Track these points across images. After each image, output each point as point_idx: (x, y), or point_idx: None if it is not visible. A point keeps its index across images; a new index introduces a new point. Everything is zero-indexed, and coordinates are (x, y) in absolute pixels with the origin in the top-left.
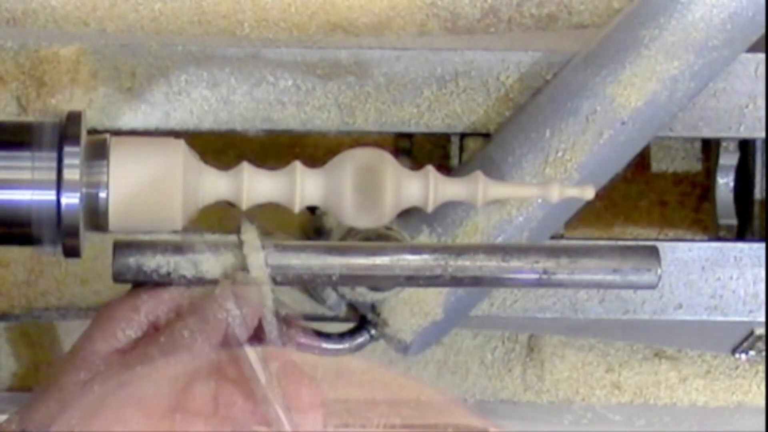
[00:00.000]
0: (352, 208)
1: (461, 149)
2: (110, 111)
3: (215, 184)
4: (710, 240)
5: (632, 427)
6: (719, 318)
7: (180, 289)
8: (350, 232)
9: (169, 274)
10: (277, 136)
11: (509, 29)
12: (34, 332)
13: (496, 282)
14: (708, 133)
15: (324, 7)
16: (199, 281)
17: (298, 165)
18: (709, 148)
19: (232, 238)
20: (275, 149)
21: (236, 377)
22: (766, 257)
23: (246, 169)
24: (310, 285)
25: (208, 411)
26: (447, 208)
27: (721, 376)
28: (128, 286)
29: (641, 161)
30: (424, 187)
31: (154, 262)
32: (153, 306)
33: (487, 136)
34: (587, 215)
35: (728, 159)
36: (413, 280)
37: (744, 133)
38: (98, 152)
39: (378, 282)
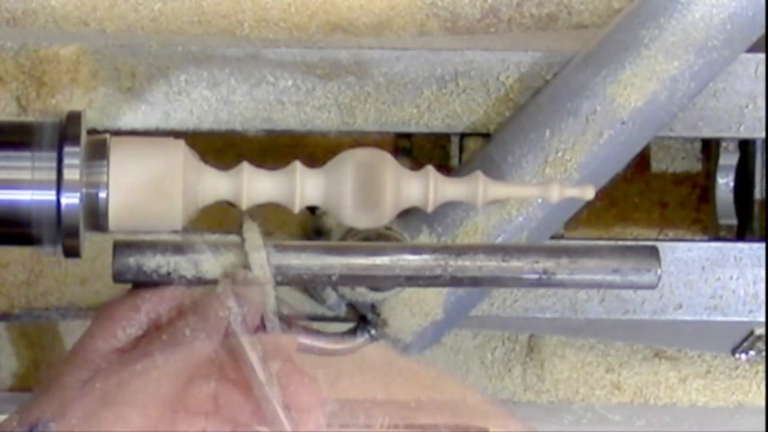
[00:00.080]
0: (352, 208)
1: (461, 149)
2: (110, 111)
3: (215, 184)
4: (710, 240)
5: (632, 427)
6: (719, 318)
7: (181, 287)
8: (350, 232)
9: (169, 274)
10: (277, 136)
11: (509, 29)
12: (34, 332)
13: (496, 282)
14: (708, 133)
15: (324, 7)
16: (200, 281)
17: (298, 165)
18: (709, 148)
19: (233, 237)
20: (275, 149)
21: (236, 376)
22: (766, 257)
23: (246, 169)
24: (310, 285)
25: (209, 410)
26: (447, 208)
27: (721, 376)
28: (128, 286)
29: (641, 161)
30: (424, 187)
31: (154, 262)
32: (154, 305)
33: (487, 136)
34: (587, 215)
35: (728, 159)
36: (413, 280)
37: (744, 133)
38: (98, 152)
39: (378, 282)
